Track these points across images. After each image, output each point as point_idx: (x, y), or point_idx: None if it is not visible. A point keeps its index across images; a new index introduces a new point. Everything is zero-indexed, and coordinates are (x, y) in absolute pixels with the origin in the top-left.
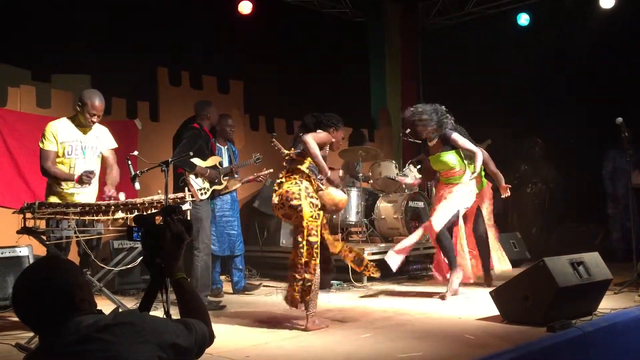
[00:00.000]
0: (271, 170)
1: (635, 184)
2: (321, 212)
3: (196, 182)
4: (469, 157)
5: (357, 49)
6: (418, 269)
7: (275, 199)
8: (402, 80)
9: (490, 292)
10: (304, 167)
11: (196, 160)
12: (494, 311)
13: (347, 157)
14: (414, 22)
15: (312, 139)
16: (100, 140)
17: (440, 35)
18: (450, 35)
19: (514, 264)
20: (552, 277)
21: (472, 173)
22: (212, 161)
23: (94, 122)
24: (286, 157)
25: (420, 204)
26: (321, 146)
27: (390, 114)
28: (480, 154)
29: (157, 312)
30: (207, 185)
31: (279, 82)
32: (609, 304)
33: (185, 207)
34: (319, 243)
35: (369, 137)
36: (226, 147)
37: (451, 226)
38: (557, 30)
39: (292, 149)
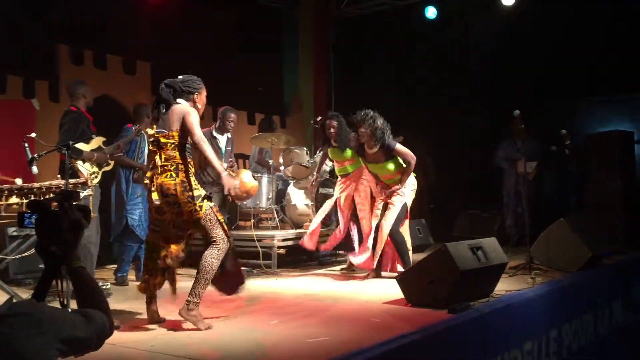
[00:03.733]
0: None
1: (520, 172)
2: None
3: (85, 168)
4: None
5: (271, 35)
6: (327, 254)
7: (155, 195)
8: (315, 67)
9: (396, 277)
10: (176, 151)
11: (81, 145)
12: (400, 295)
13: (258, 143)
14: (327, 10)
15: (195, 121)
16: None
17: (353, 24)
18: (362, 24)
19: (419, 249)
20: (453, 261)
21: (401, 182)
22: (95, 143)
23: None
24: (151, 140)
25: (331, 191)
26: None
27: (303, 100)
28: (413, 163)
29: (52, 304)
30: (96, 169)
31: (189, 65)
32: (504, 286)
33: (87, 192)
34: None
35: (281, 123)
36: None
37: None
38: (462, 25)
39: (155, 127)
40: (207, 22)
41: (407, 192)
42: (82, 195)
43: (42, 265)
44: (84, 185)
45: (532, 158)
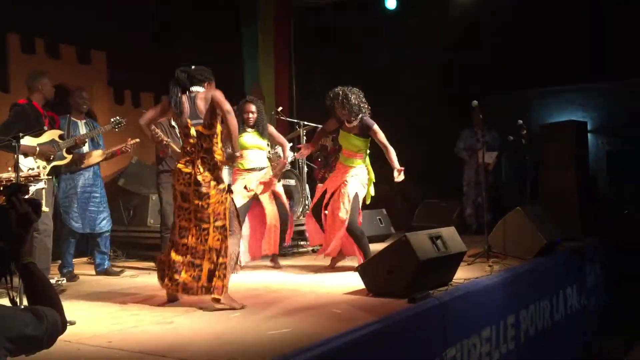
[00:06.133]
0: (137, 140)
1: (480, 162)
2: (228, 195)
3: (25, 163)
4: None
5: (230, 23)
6: (288, 246)
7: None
8: (275, 57)
9: (357, 267)
10: (217, 146)
11: (27, 139)
12: (360, 285)
13: None
14: None
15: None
16: None
17: (314, 14)
18: (323, 14)
19: (380, 239)
20: (413, 251)
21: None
22: (47, 136)
23: None
24: (189, 133)
25: (292, 182)
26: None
27: (263, 91)
28: (392, 150)
29: (2, 301)
30: (42, 163)
31: (146, 54)
32: (463, 274)
33: (40, 185)
34: (227, 226)
35: None
36: (84, 121)
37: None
38: (422, 16)
39: (189, 120)
40: (164, 11)
41: (357, 182)
42: (34, 188)
43: None
44: (36, 178)
45: (492, 148)
